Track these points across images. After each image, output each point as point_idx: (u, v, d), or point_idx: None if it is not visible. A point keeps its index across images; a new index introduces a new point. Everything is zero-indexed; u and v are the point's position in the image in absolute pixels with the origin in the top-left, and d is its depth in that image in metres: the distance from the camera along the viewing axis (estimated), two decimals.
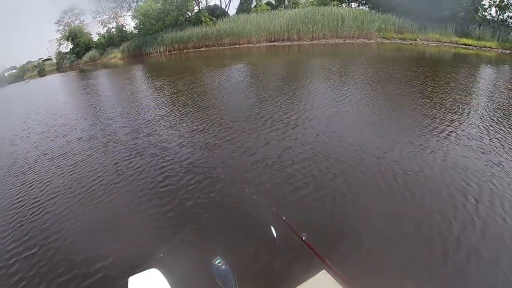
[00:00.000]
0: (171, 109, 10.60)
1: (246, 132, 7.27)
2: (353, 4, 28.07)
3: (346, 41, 22.01)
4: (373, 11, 25.20)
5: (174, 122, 9.00)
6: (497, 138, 6.26)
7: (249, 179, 5.17)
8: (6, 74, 68.74)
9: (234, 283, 2.52)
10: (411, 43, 22.43)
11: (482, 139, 6.21)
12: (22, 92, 34.37)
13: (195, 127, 8.25)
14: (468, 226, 3.88)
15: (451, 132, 6.58)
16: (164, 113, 10.22)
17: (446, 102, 8.57)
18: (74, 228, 4.69)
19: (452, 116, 7.46)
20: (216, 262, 2.79)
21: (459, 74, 12.61)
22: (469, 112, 7.88)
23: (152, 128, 8.78)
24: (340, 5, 26.78)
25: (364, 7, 27.39)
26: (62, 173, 6.84)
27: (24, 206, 5.60)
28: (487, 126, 6.91)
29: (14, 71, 66.55)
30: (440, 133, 6.54)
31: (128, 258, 3.93)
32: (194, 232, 4.28)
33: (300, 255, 3.57)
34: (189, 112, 9.72)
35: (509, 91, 10.00)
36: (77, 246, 4.33)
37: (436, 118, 7.35)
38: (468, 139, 6.24)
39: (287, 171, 5.30)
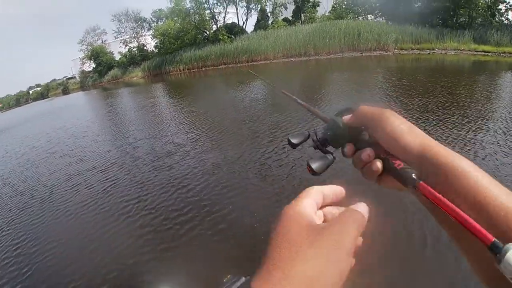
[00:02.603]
0: (199, 133, 10.44)
1: (289, 159, 6.86)
2: (370, 17, 28.23)
3: (363, 54, 22.15)
4: (389, 22, 25.35)
5: (204, 149, 8.78)
6: None
7: None
8: (31, 91, 72.10)
9: None
10: (429, 53, 22.39)
11: None
12: (47, 109, 35.75)
13: (230, 153, 7.93)
14: None
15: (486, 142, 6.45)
16: (192, 137, 10.14)
17: (472, 112, 8.53)
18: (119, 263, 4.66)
19: (482, 126, 7.35)
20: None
21: (481, 82, 12.53)
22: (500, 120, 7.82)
23: (181, 156, 8.60)
24: (356, 18, 27.03)
25: (381, 19, 27.53)
26: (86, 206, 6.73)
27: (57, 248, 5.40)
28: None
29: (38, 88, 69.78)
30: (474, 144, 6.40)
31: (143, 274, 4.18)
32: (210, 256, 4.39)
33: None
34: (219, 136, 9.50)
35: None
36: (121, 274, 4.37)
37: (466, 128, 7.22)
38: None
39: None
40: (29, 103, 63.57)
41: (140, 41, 39.41)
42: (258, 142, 8.36)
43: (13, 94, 76.52)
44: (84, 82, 46.90)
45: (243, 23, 32.86)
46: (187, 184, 6.61)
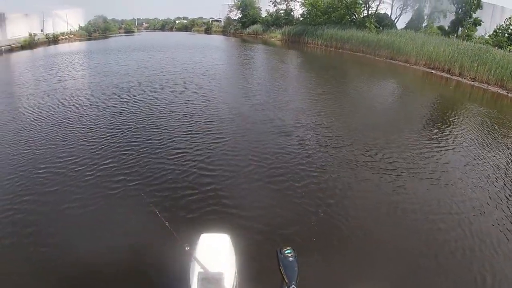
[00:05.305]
0: (322, 122, 9.89)
1: None
2: None
3: (509, 94, 20.75)
4: None
5: (321, 141, 8.28)
6: None
7: None
8: (177, 21, 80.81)
9: (295, 277, 2.30)
10: None
11: None
12: (190, 40, 40.50)
13: (343, 164, 7.09)
14: None
15: None
16: (313, 124, 9.70)
17: None
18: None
19: None
20: (285, 252, 2.54)
21: None
22: None
23: (298, 138, 8.32)
24: None
25: None
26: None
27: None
28: None
29: (184, 21, 77.92)
30: None
31: (206, 220, 4.81)
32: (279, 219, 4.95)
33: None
34: (340, 134, 8.88)
35: None
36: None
37: None
38: None
39: None
40: (172, 31, 72.23)
41: (289, 5, 41.44)
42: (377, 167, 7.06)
43: (160, 19, 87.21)
44: (227, 28, 51.56)
45: (396, 18, 32.44)
46: (295, 176, 6.37)
